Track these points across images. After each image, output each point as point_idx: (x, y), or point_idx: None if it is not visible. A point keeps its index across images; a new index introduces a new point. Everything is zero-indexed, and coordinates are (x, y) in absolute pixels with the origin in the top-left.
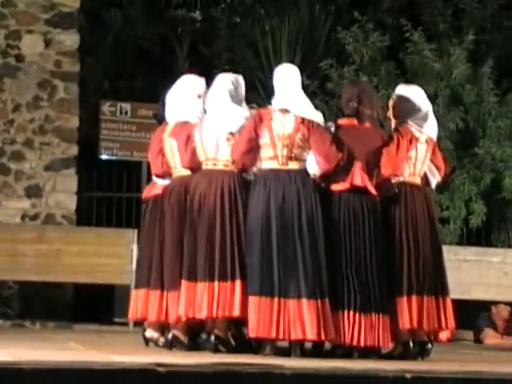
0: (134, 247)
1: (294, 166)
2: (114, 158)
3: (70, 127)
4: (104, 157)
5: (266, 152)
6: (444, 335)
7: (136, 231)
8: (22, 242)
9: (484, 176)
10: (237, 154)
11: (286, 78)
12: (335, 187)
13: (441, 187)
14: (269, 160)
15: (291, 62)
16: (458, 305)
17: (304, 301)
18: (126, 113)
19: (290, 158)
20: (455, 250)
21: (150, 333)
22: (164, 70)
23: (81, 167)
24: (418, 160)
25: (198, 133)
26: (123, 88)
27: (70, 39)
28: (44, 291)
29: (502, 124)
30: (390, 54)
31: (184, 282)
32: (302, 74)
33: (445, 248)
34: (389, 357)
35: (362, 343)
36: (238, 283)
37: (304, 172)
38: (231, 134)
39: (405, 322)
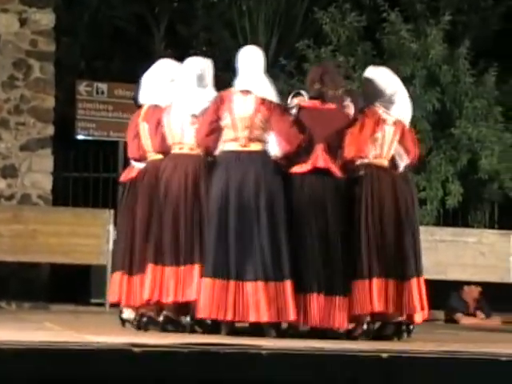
0: (111, 228)
1: (255, 147)
2: (90, 138)
3: (46, 107)
4: (80, 137)
5: (227, 134)
6: (419, 317)
7: (113, 211)
8: None
9: (460, 156)
10: (199, 137)
11: (249, 59)
12: (297, 169)
13: (417, 168)
14: (230, 142)
15: (268, 42)
16: (434, 285)
17: (260, 283)
18: (103, 93)
19: (250, 140)
20: (432, 231)
21: (127, 314)
22: (141, 50)
23: (57, 147)
24: (385, 142)
25: (167, 117)
26: (100, 68)
27: (46, 18)
28: (20, 271)
29: (479, 104)
30: (367, 35)
31: (150, 266)
32: (279, 55)
33: (421, 228)
34: (353, 338)
35: (318, 324)
36: (196, 267)
37: (265, 153)
38: (195, 116)
39: (366, 305)
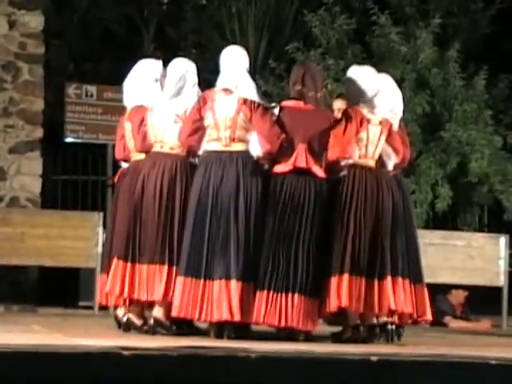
0: (100, 230)
1: (237, 147)
2: (79, 140)
3: (35, 110)
4: (69, 139)
5: (210, 134)
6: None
7: (102, 214)
8: None
9: (450, 160)
10: (183, 136)
11: (232, 59)
12: (279, 169)
13: (407, 171)
14: (213, 141)
15: (258, 44)
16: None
17: (233, 282)
18: (92, 95)
19: (233, 140)
20: (421, 234)
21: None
22: (130, 53)
23: (46, 150)
24: (370, 142)
25: (150, 116)
26: (89, 70)
27: (35, 21)
28: (8, 274)
29: (468, 108)
30: (357, 38)
31: (120, 262)
32: (268, 57)
33: None
34: (339, 340)
35: (284, 324)
36: (165, 268)
37: (247, 153)
38: (178, 116)
39: (337, 300)
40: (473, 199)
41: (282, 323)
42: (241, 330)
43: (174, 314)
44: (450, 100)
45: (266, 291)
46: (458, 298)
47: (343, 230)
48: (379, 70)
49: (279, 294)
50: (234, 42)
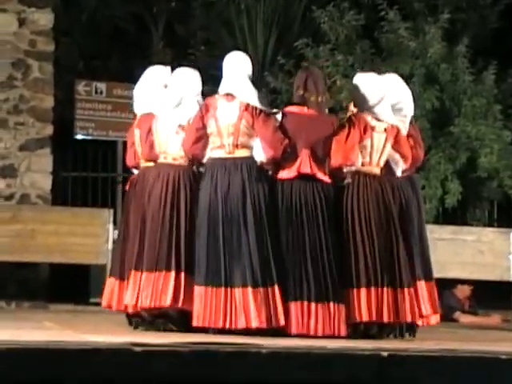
0: (110, 227)
1: (241, 153)
2: (89, 137)
3: (45, 107)
4: (79, 136)
5: (214, 141)
6: (433, 319)
7: (112, 211)
8: None
9: (459, 155)
10: (187, 145)
11: (234, 64)
12: (283, 175)
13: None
14: (217, 149)
15: (267, 41)
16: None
17: (249, 289)
18: (101, 92)
19: (236, 146)
20: (431, 229)
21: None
22: (139, 50)
23: (56, 147)
24: (375, 149)
25: (155, 125)
26: (98, 67)
27: (45, 18)
28: (19, 271)
29: (478, 103)
30: (366, 33)
31: (132, 272)
32: (277, 53)
33: None
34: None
35: (319, 332)
36: (172, 274)
37: (251, 159)
38: (180, 126)
39: (358, 315)
40: (482, 194)
41: (309, 332)
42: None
43: (195, 323)
44: (459, 95)
45: (298, 300)
46: (464, 292)
47: (351, 243)
48: (388, 66)
49: (298, 303)
50: (243, 39)
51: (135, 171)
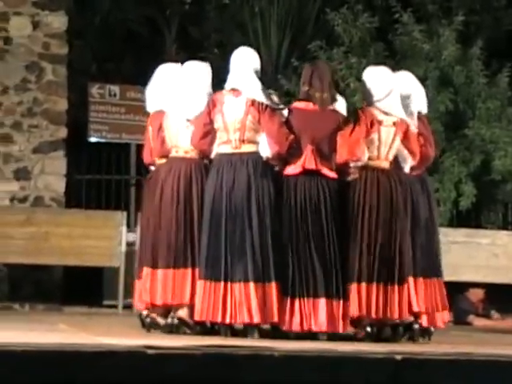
0: (124, 229)
1: (247, 149)
2: (103, 140)
3: (59, 110)
4: (93, 139)
5: (220, 136)
6: (440, 319)
7: (125, 213)
8: (11, 224)
9: (474, 157)
10: (194, 140)
11: (240, 60)
12: (289, 170)
13: (430, 169)
14: (223, 144)
15: (280, 43)
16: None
17: (251, 284)
18: (115, 95)
19: (242, 142)
20: (445, 232)
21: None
22: (152, 52)
23: (69, 150)
24: (383, 143)
25: (166, 121)
26: (111, 70)
27: (58, 21)
28: (33, 274)
29: (492, 105)
30: (380, 36)
31: (147, 269)
32: (291, 56)
33: None
34: (360, 340)
35: (322, 329)
36: (189, 271)
37: (257, 155)
38: (189, 121)
39: (353, 309)
40: (497, 197)
41: (308, 328)
42: (264, 331)
43: (196, 317)
44: (474, 98)
45: (290, 297)
46: (477, 295)
47: (357, 236)
48: (402, 68)
49: (304, 300)
50: (257, 41)
51: (153, 168)
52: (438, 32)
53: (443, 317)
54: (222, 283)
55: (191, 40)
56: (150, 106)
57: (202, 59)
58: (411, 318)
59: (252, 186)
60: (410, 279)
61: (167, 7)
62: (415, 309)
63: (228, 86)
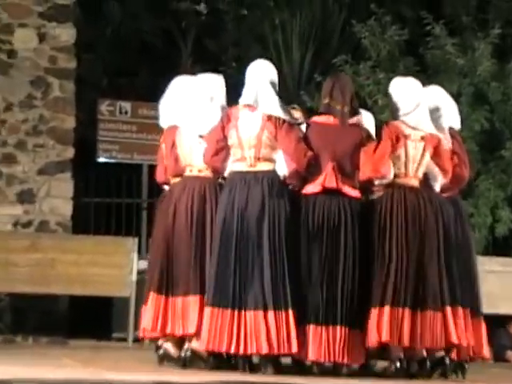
0: (135, 256)
1: (263, 167)
2: (112, 160)
3: (66, 128)
4: (102, 159)
5: (234, 153)
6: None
7: (137, 240)
8: (15, 250)
9: (511, 181)
10: (207, 157)
11: (256, 73)
12: (308, 190)
13: (464, 192)
14: (237, 162)
15: (303, 57)
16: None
17: (260, 313)
18: (126, 112)
19: (258, 159)
20: (480, 261)
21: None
22: (167, 66)
23: (77, 171)
24: (411, 159)
25: (179, 137)
26: (123, 85)
27: (66, 33)
28: (37, 304)
29: None
30: (410, 49)
31: (153, 295)
32: (314, 71)
33: None
34: (384, 376)
35: (332, 358)
36: (197, 298)
37: (273, 173)
38: (201, 136)
39: (371, 337)
40: None
41: (326, 358)
42: (279, 363)
43: (202, 347)
44: (511, 116)
45: (307, 324)
46: None
47: (384, 259)
48: (434, 84)
49: (322, 327)
50: (278, 55)
51: (166, 187)
52: (473, 46)
53: (480, 351)
54: (232, 311)
55: (208, 53)
56: (164, 122)
57: (220, 73)
58: (443, 352)
59: (266, 207)
60: (447, 308)
61: (183, 18)
62: (449, 340)
63: (243, 100)
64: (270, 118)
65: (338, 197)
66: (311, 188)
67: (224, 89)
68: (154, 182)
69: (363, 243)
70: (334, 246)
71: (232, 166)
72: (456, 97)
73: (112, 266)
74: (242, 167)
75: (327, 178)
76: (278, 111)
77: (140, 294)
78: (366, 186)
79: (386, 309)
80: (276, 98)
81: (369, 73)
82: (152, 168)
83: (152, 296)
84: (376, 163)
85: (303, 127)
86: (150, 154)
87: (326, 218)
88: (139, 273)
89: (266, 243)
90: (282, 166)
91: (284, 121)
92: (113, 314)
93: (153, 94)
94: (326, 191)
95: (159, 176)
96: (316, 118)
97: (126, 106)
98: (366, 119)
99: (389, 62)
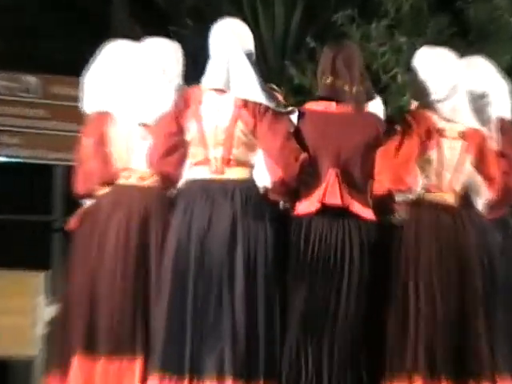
0: (41, 300)
1: (234, 174)
2: (12, 160)
3: None
4: None
5: (194, 153)
6: None
7: (45, 274)
8: None
9: None
10: (153, 158)
11: (225, 39)
12: (301, 208)
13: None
14: (198, 165)
15: (289, 14)
16: None
17: (229, 381)
18: (32, 90)
19: (227, 163)
20: None
21: None
22: (94, 26)
23: None
24: (445, 166)
25: (111, 129)
26: (28, 52)
27: None
28: None
29: None
30: (443, 4)
31: (78, 355)
32: (305, 33)
33: None
34: None
35: None
36: (138, 361)
37: (249, 184)
38: (146, 127)
39: None
40: None
41: None
42: None
43: None
44: None
45: None
46: None
47: (408, 310)
48: (477, 53)
49: None
50: (253, 12)
51: (87, 202)
52: None
53: None
54: (187, 379)
55: (153, 7)
56: (88, 105)
57: (170, 36)
58: None
59: (238, 233)
60: (496, 376)
61: None
62: None
63: (207, 80)
64: (245, 104)
65: (342, 218)
66: (305, 206)
67: (180, 60)
68: (71, 192)
69: (376, 287)
70: (341, 291)
71: (190, 171)
72: (509, 71)
73: (8, 313)
74: (205, 174)
75: (328, 191)
76: (257, 94)
77: (50, 354)
78: (384, 204)
79: (417, 378)
80: (254, 76)
81: (384, 36)
82: (68, 171)
83: (76, 361)
84: (398, 170)
85: (294, 118)
86: (66, 151)
87: (324, 250)
88: (49, 324)
89: (240, 284)
90: (263, 174)
91: (266, 108)
92: (8, 380)
93: (72, 64)
94: (325, 210)
95: (80, 184)
96: (311, 105)
97: (32, 80)
98: (373, 106)
99: (413, 22)
